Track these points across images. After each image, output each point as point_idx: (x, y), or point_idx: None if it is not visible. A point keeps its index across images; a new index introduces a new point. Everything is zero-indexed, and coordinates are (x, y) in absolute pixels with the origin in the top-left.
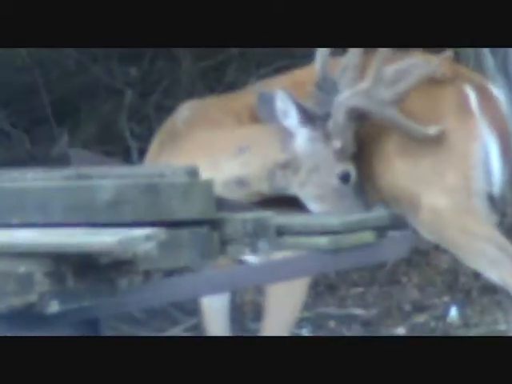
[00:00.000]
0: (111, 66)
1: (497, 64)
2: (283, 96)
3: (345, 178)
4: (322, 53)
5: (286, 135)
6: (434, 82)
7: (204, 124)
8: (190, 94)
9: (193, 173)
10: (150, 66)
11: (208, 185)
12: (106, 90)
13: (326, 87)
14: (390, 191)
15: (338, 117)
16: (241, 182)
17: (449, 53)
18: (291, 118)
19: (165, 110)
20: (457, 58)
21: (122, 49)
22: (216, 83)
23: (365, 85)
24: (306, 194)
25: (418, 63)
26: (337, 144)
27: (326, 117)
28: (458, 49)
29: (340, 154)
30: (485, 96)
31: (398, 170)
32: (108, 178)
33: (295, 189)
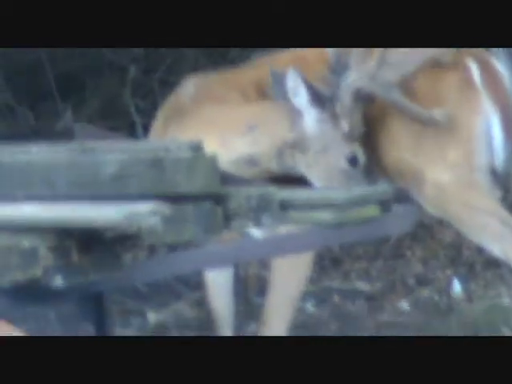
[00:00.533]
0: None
1: None
2: (294, 75)
3: (352, 160)
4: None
5: (295, 114)
6: (437, 53)
7: (210, 100)
8: (194, 70)
9: (197, 148)
10: None
11: (212, 159)
12: (110, 66)
13: (338, 70)
14: (395, 167)
15: (345, 98)
16: (251, 161)
17: None
18: (301, 97)
19: (169, 85)
20: None
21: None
22: (220, 58)
23: (370, 66)
24: (313, 175)
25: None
26: (345, 126)
27: (335, 98)
28: None
29: (348, 136)
30: (488, 70)
31: (402, 146)
32: (112, 153)
33: (303, 169)
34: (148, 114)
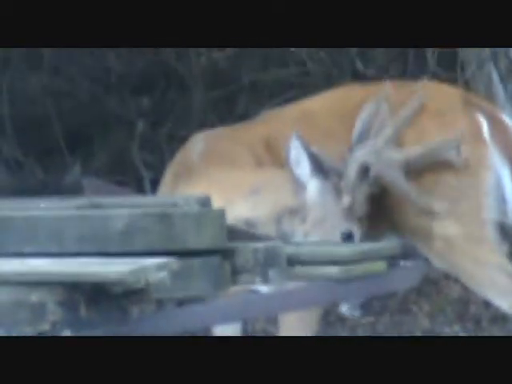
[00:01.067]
0: (124, 96)
1: (507, 93)
2: (296, 144)
3: (347, 237)
4: (367, 112)
5: (299, 182)
6: (446, 110)
7: (218, 159)
8: (202, 125)
9: (205, 202)
10: (162, 96)
11: (220, 214)
12: (119, 120)
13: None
14: (403, 219)
15: (350, 172)
16: (248, 224)
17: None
18: (303, 168)
19: (177, 140)
20: (467, 87)
21: (134, 80)
22: (227, 113)
23: (378, 142)
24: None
25: (441, 143)
26: (346, 200)
27: (342, 172)
28: (469, 79)
29: (347, 213)
30: (496, 125)
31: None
32: (120, 208)
33: (300, 237)
34: (156, 169)
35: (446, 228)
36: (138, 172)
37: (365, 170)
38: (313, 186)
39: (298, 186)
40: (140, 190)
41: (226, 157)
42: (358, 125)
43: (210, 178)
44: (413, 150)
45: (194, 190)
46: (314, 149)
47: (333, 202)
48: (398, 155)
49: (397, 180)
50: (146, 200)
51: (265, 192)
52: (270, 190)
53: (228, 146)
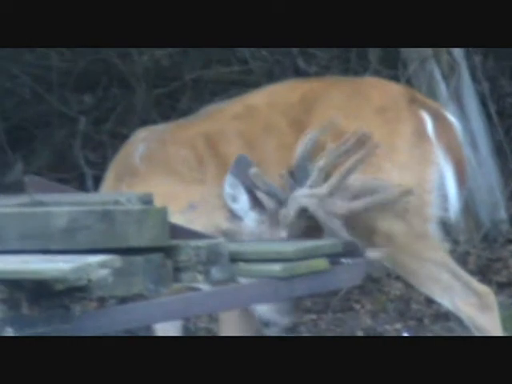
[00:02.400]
0: (65, 94)
1: (449, 91)
2: (233, 182)
3: None
4: (310, 138)
5: (235, 214)
6: (390, 107)
7: (160, 163)
8: (144, 122)
9: (147, 200)
10: (105, 93)
11: (162, 212)
12: (61, 118)
13: (299, 176)
14: (345, 213)
15: (290, 211)
16: None
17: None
18: (241, 203)
19: (119, 138)
20: (409, 85)
21: (76, 77)
22: (170, 111)
23: (322, 190)
24: None
25: (383, 186)
26: (283, 234)
27: (284, 203)
28: (411, 76)
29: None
30: (441, 122)
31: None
32: (63, 205)
33: None
34: (98, 166)
35: (389, 224)
36: (81, 169)
37: (304, 210)
38: (250, 219)
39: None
40: (82, 187)
41: (167, 160)
42: (299, 152)
43: (151, 185)
44: (358, 203)
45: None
46: (252, 178)
47: (268, 231)
48: (341, 206)
49: (336, 230)
50: (89, 197)
51: (201, 209)
52: (206, 208)
53: (169, 148)
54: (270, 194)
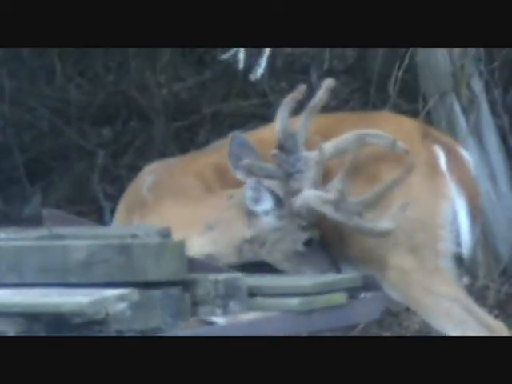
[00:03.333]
0: (84, 127)
1: (469, 125)
2: (255, 185)
3: (309, 242)
4: (282, 113)
5: (254, 214)
6: (404, 141)
7: (168, 191)
8: (163, 155)
9: (165, 234)
10: (123, 126)
11: (180, 246)
12: (79, 151)
13: (288, 147)
14: (359, 250)
15: (303, 210)
16: (209, 258)
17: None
18: (265, 205)
19: (137, 171)
20: (429, 119)
21: (95, 110)
22: (189, 144)
23: (331, 196)
24: (273, 260)
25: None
26: (302, 223)
27: (288, 176)
28: (431, 110)
29: (307, 226)
30: (454, 157)
31: None
32: (81, 239)
33: (263, 257)
34: (116, 200)
35: (401, 259)
36: (99, 203)
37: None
38: (272, 216)
39: (251, 213)
40: (100, 220)
41: (175, 188)
42: (280, 121)
43: (164, 215)
44: (370, 194)
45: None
46: (248, 169)
47: (289, 223)
48: (356, 206)
49: (359, 225)
50: (107, 231)
51: (219, 228)
52: (223, 225)
53: (177, 176)
54: (271, 175)
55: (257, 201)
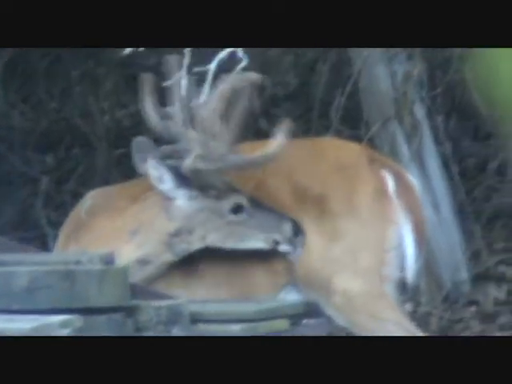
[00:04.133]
0: (27, 153)
1: (411, 152)
2: (155, 163)
3: (237, 209)
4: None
5: (167, 203)
6: (351, 165)
7: (105, 213)
8: (106, 181)
9: (108, 260)
10: (66, 153)
11: (123, 271)
12: (22, 178)
13: (167, 136)
14: (304, 272)
15: (192, 177)
16: (142, 262)
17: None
18: (167, 183)
19: (81, 197)
20: (372, 145)
21: (38, 137)
22: (131, 171)
23: (196, 151)
24: (212, 242)
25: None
26: (213, 192)
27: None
28: (374, 137)
29: (223, 194)
30: (401, 182)
31: (312, 251)
32: (24, 265)
33: (198, 244)
34: (60, 226)
35: (347, 283)
36: (42, 229)
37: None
38: (182, 198)
39: (168, 205)
40: (44, 247)
41: (111, 210)
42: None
43: (94, 230)
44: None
45: (82, 244)
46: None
47: (205, 200)
48: (221, 147)
49: (234, 162)
50: (50, 257)
51: (143, 230)
52: (146, 227)
53: (114, 200)
54: (171, 156)
55: (160, 180)
